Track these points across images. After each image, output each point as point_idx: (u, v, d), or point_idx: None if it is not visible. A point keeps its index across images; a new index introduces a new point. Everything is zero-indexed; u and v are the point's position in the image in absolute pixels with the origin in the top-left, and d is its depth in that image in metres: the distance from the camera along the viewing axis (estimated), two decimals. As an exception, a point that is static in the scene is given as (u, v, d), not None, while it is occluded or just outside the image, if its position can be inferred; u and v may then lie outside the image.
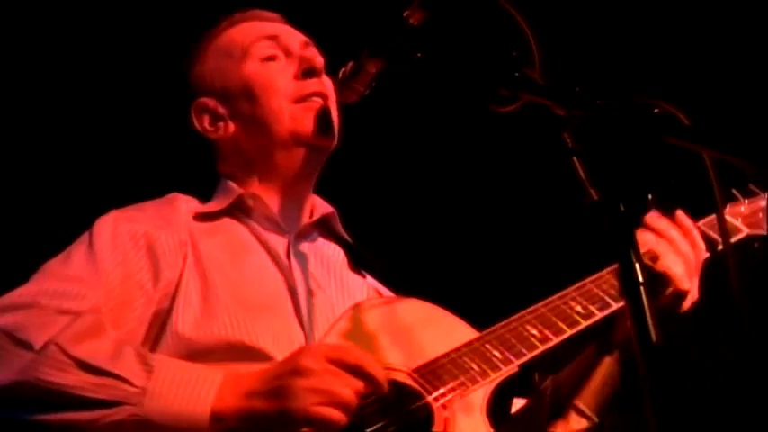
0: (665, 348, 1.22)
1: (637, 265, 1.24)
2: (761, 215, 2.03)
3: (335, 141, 1.88)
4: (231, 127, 1.87)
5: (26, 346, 1.46)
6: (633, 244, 1.25)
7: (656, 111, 1.29)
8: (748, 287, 1.47)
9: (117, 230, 1.69)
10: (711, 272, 1.88)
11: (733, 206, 2.04)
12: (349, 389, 1.41)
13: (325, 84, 1.86)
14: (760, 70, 3.07)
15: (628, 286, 1.23)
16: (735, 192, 2.08)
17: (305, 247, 1.86)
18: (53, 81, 2.83)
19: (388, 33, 1.40)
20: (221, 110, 1.88)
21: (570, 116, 1.30)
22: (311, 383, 1.40)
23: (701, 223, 1.93)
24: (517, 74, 1.32)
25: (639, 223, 1.79)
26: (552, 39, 1.34)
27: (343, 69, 1.48)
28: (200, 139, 1.92)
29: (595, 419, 1.79)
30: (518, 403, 1.86)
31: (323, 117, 1.85)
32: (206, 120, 1.90)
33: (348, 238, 1.96)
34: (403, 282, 1.94)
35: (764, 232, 2.01)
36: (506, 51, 1.33)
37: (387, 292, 1.92)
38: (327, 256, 1.90)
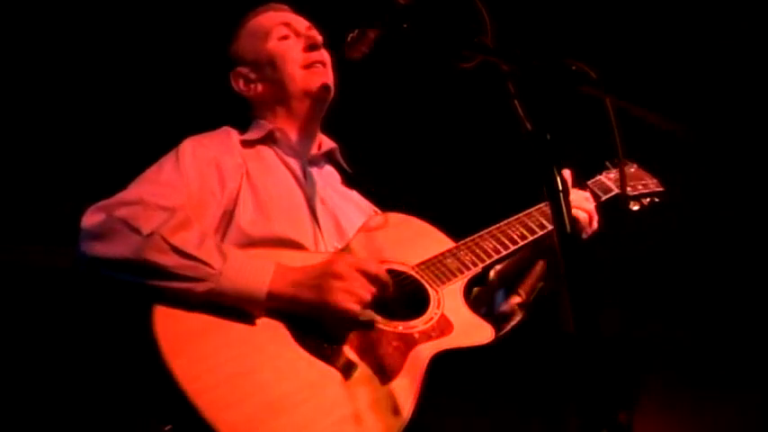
0: (574, 236, 1.66)
1: (558, 178, 1.64)
2: (625, 179, 2.64)
3: (332, 94, 2.43)
4: (260, 87, 2.43)
5: (137, 231, 1.91)
6: (555, 162, 1.64)
7: (573, 68, 1.70)
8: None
9: (195, 152, 2.20)
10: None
11: (608, 172, 2.64)
12: (367, 291, 1.94)
13: (324, 54, 2.41)
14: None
15: (551, 192, 1.63)
16: (607, 163, 2.66)
17: (315, 170, 2.42)
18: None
19: (383, 9, 1.82)
20: (252, 75, 2.44)
21: (512, 71, 1.71)
22: (342, 285, 1.92)
23: (589, 183, 2.57)
24: (475, 40, 1.73)
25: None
26: (500, 15, 1.74)
27: (350, 35, 1.92)
28: (237, 96, 2.46)
29: (526, 297, 2.42)
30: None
31: (324, 77, 2.40)
32: (241, 83, 2.45)
33: (345, 166, 2.51)
34: (382, 198, 2.51)
35: (630, 192, 2.63)
36: (468, 24, 1.74)
37: (368, 204, 2.49)
38: (330, 177, 2.47)
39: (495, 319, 2.38)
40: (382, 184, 2.54)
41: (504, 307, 2.41)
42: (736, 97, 4.11)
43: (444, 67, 1.78)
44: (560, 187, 1.64)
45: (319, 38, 2.44)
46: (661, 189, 2.67)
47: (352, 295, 1.92)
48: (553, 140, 1.67)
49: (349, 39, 1.92)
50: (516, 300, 2.42)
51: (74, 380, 3.95)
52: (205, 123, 2.42)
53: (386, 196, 2.52)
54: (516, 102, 1.71)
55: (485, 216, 2.37)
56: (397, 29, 1.82)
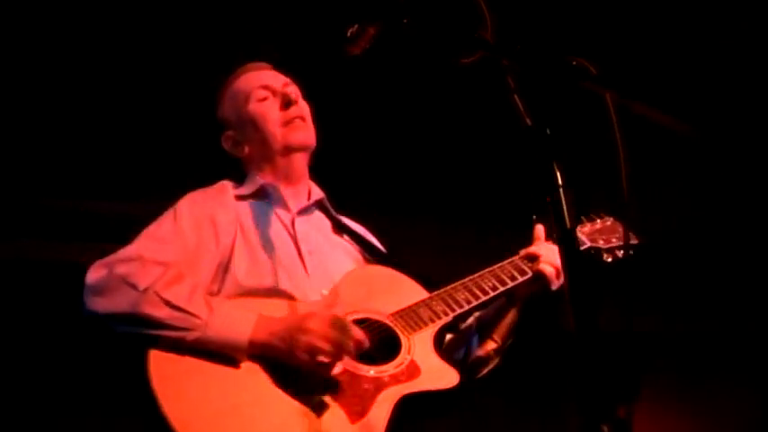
0: (574, 231, 1.64)
1: (558, 173, 1.64)
2: (598, 233, 2.74)
3: (314, 144, 2.58)
4: (247, 148, 2.58)
5: (134, 287, 2.14)
6: (555, 157, 1.64)
7: (574, 63, 1.71)
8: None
9: (192, 210, 2.38)
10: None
11: (582, 226, 2.74)
12: (332, 348, 2.11)
13: (302, 107, 2.56)
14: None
15: (550, 188, 1.63)
16: (582, 217, 2.74)
17: (304, 220, 2.55)
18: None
19: (384, 4, 1.83)
20: (238, 137, 2.58)
21: (512, 66, 1.72)
22: (307, 340, 2.11)
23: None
24: (476, 35, 1.74)
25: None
26: (500, 10, 1.74)
27: (350, 30, 1.90)
28: (229, 156, 2.61)
29: (501, 343, 2.55)
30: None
31: (303, 131, 2.55)
32: (230, 145, 2.60)
33: (335, 215, 2.64)
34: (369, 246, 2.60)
35: (603, 245, 2.71)
36: (468, 19, 1.74)
37: (355, 248, 2.60)
38: (320, 225, 2.60)
39: (473, 363, 2.55)
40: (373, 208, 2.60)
41: (480, 352, 2.56)
42: (737, 97, 4.12)
43: (444, 62, 1.80)
44: (560, 183, 1.64)
45: (294, 94, 2.58)
46: (636, 242, 2.71)
47: (313, 351, 2.11)
48: (553, 136, 1.67)
49: (349, 34, 1.93)
50: (492, 345, 2.55)
51: (71, 378, 3.95)
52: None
53: (374, 222, 2.66)
54: (516, 97, 1.71)
55: (483, 214, 2.38)
56: (397, 24, 1.83)
